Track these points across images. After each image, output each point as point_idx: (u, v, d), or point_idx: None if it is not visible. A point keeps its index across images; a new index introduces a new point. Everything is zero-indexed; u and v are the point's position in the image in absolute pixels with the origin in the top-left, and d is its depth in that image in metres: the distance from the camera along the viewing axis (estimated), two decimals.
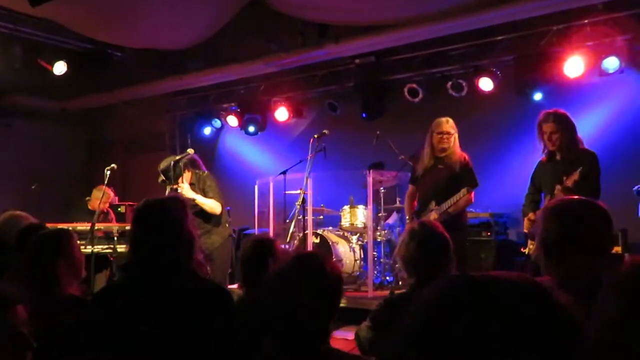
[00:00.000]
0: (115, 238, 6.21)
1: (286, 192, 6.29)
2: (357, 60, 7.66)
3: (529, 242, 4.60)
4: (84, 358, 2.13)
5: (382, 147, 6.58)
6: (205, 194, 5.27)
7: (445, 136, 5.01)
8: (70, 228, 6.02)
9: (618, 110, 6.49)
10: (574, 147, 4.43)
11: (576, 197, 2.12)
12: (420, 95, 7.35)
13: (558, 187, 4.24)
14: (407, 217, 5.48)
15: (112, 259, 6.29)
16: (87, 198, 6.87)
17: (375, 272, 6.56)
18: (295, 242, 6.42)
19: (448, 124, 5.04)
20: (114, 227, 6.36)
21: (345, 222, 6.87)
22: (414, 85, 7.36)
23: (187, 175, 5.27)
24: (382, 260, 6.76)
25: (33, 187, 8.07)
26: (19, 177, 8.87)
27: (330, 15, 6.69)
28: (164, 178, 5.20)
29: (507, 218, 6.79)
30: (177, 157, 5.21)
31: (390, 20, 6.67)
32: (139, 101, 9.50)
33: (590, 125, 6.48)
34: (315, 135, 5.67)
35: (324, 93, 8.33)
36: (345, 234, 7.00)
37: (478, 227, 6.63)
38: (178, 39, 7.27)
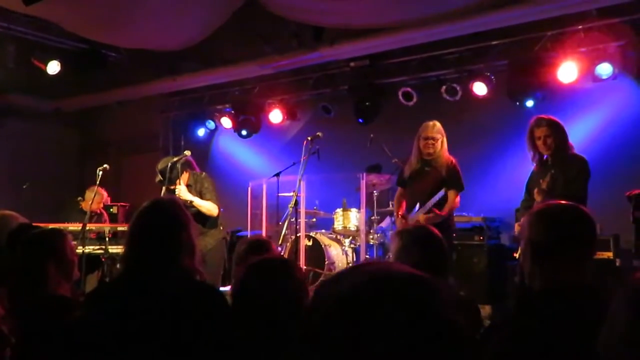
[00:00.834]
0: (107, 239, 6.18)
1: (279, 194, 6.27)
2: (351, 64, 7.67)
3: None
4: (75, 358, 2.12)
5: (375, 151, 6.58)
6: (202, 196, 5.27)
7: (430, 141, 5.05)
8: (62, 228, 6.00)
9: (611, 116, 6.52)
10: (566, 151, 4.45)
11: (563, 202, 2.13)
12: (415, 99, 7.36)
13: (536, 189, 4.26)
14: (395, 219, 5.50)
15: (103, 259, 6.27)
16: (79, 198, 6.84)
17: None
18: (288, 244, 6.41)
19: (434, 129, 5.07)
20: (106, 227, 6.33)
21: (338, 225, 6.86)
22: (409, 89, 7.37)
23: (184, 177, 5.27)
24: None
25: (25, 186, 8.03)
26: (11, 176, 8.81)
27: (325, 18, 6.69)
28: (161, 178, 5.19)
29: (499, 222, 6.80)
30: (175, 159, 5.21)
31: (385, 23, 6.68)
32: (132, 102, 9.47)
33: (583, 131, 6.50)
34: (309, 138, 5.67)
35: (318, 96, 8.33)
36: (338, 237, 7.00)
37: (470, 231, 6.64)
38: (172, 40, 7.25)
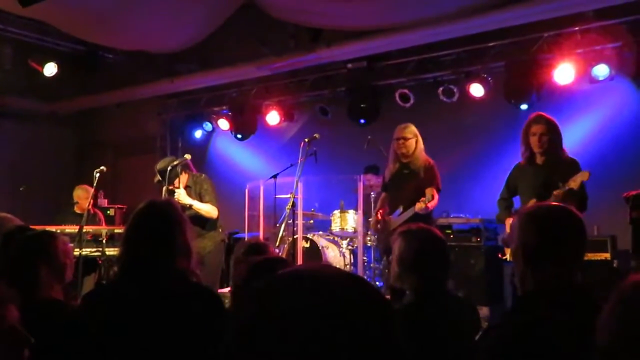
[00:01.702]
0: (104, 241, 6.17)
1: (277, 196, 6.27)
2: (349, 65, 7.67)
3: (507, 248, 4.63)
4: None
5: (373, 152, 6.58)
6: (201, 197, 5.28)
7: (401, 141, 5.10)
8: (58, 231, 5.99)
9: (608, 117, 6.53)
10: (560, 153, 4.45)
11: (552, 203, 2.14)
12: (412, 101, 7.36)
13: (557, 191, 4.18)
14: (373, 218, 5.54)
15: (100, 262, 6.25)
16: (75, 201, 6.83)
17: (365, 277, 6.55)
18: (285, 246, 6.40)
19: (406, 130, 5.13)
20: (103, 230, 6.32)
21: (335, 226, 6.86)
22: (406, 91, 7.37)
23: (183, 178, 5.29)
24: (372, 265, 6.76)
25: (21, 188, 8.01)
26: (7, 178, 8.79)
27: (323, 20, 6.70)
28: (160, 178, 5.21)
29: (497, 224, 6.80)
30: (175, 161, 5.23)
31: (383, 25, 6.69)
32: (130, 103, 9.45)
33: (580, 132, 6.52)
34: (306, 139, 5.66)
35: (316, 97, 8.33)
36: (336, 238, 6.99)
37: (468, 233, 6.63)
38: (170, 42, 7.25)
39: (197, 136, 9.49)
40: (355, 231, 6.71)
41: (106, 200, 8.17)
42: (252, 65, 7.85)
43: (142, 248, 2.22)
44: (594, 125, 6.54)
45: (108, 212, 7.60)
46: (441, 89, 7.14)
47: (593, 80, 6.30)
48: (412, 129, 5.16)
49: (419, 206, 4.90)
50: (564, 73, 6.37)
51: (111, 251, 6.10)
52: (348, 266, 6.76)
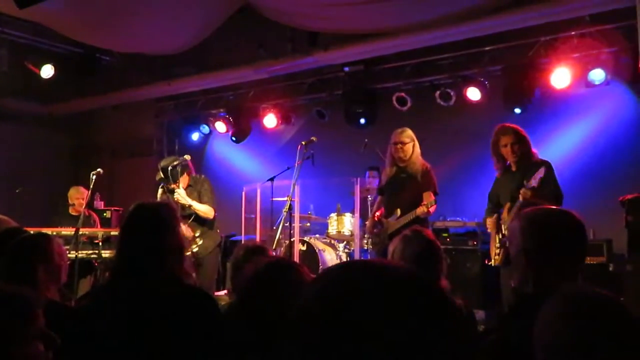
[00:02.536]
0: (100, 243, 6.15)
1: (273, 198, 6.26)
2: (346, 68, 7.68)
3: (494, 253, 4.65)
4: None
5: (370, 155, 6.58)
6: (200, 197, 5.44)
7: (399, 146, 5.12)
8: (54, 233, 5.97)
9: (604, 121, 6.55)
10: (531, 157, 4.51)
11: (552, 207, 2.14)
12: (409, 104, 7.37)
13: (523, 189, 4.28)
14: (369, 220, 5.55)
15: (96, 264, 6.23)
16: (71, 203, 6.82)
17: None
18: (282, 249, 6.40)
19: (403, 134, 5.15)
20: (99, 232, 6.30)
21: (332, 229, 6.86)
22: (403, 94, 7.39)
23: (184, 178, 5.43)
24: None
25: (18, 190, 7.99)
26: (4, 180, 8.77)
27: (320, 23, 6.70)
28: (162, 176, 5.35)
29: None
30: (176, 162, 5.36)
31: (380, 29, 6.69)
32: (126, 106, 9.44)
33: (576, 136, 6.54)
34: (303, 142, 5.67)
35: (313, 100, 8.34)
36: (332, 241, 6.99)
37: (464, 236, 6.65)
38: (167, 44, 7.24)
39: (194, 139, 9.49)
40: (352, 234, 6.71)
41: (102, 203, 8.15)
42: (249, 68, 7.85)
43: (133, 250, 2.23)
44: (590, 130, 6.56)
45: (104, 214, 7.58)
46: (438, 92, 7.16)
47: (589, 85, 6.33)
48: (409, 133, 5.18)
49: (420, 210, 4.91)
50: (560, 77, 6.39)
51: (107, 253, 6.08)
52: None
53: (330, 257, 6.75)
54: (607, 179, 6.22)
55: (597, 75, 6.23)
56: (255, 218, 7.24)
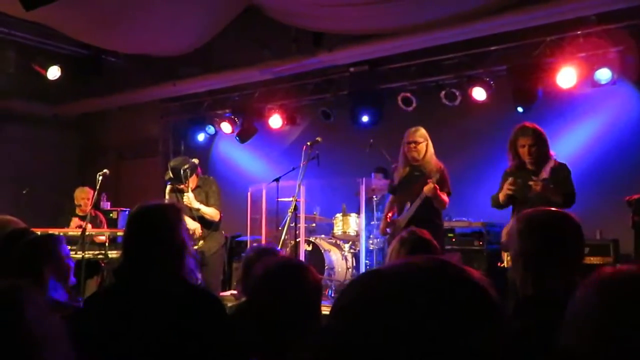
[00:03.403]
0: (107, 244, 6.18)
1: (279, 199, 6.28)
2: (351, 69, 7.68)
3: (505, 254, 4.63)
4: None
5: (375, 155, 6.59)
6: (207, 198, 5.51)
7: (412, 145, 5.08)
8: (61, 234, 5.99)
9: (610, 121, 6.53)
10: (548, 159, 4.49)
11: (550, 208, 2.15)
12: (414, 104, 7.37)
13: (533, 181, 4.27)
14: (382, 222, 5.54)
15: (103, 264, 6.26)
16: (78, 204, 6.85)
17: None
18: (288, 249, 6.41)
19: (417, 133, 5.10)
20: (106, 232, 6.33)
21: (337, 230, 6.86)
22: (408, 94, 7.38)
23: (193, 179, 5.49)
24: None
25: (25, 191, 8.03)
26: (11, 181, 8.81)
27: (325, 24, 6.71)
28: (171, 175, 5.42)
29: (499, 228, 6.76)
30: (187, 165, 5.41)
31: (385, 29, 6.69)
32: (132, 107, 9.48)
33: (582, 136, 6.52)
34: (308, 143, 5.68)
35: (318, 101, 8.35)
36: (338, 242, 6.99)
37: (470, 237, 6.63)
38: (172, 45, 7.26)
39: (200, 139, 9.50)
40: (357, 234, 6.71)
41: (109, 203, 8.18)
42: (254, 68, 7.86)
43: (136, 252, 2.24)
44: (596, 129, 6.54)
45: (111, 214, 7.60)
46: (443, 92, 7.15)
47: (595, 84, 6.30)
48: (423, 132, 5.13)
49: (427, 188, 4.87)
50: (566, 77, 6.36)
51: (114, 254, 6.11)
52: (350, 269, 6.76)
53: (336, 258, 6.75)
54: (613, 179, 6.19)
55: (604, 74, 6.20)
56: (261, 218, 7.25)
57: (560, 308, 1.73)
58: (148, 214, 2.31)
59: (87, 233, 5.85)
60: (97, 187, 6.01)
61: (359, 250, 6.71)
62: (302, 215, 6.28)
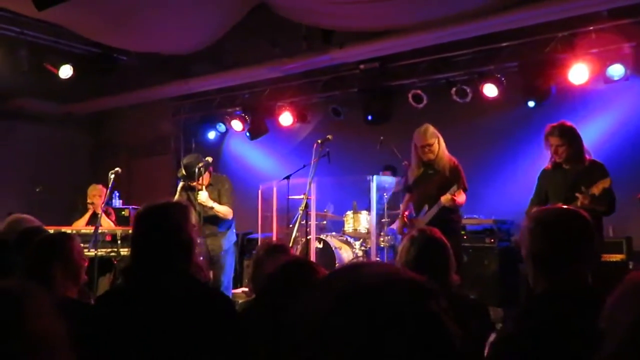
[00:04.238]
0: (119, 241, 6.22)
1: (290, 196, 6.28)
2: (361, 66, 7.67)
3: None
4: None
5: (385, 153, 6.57)
6: (220, 197, 5.51)
7: (427, 148, 5.07)
8: (74, 231, 6.05)
9: (623, 117, 6.47)
10: (582, 158, 4.46)
11: (562, 206, 2.15)
12: (425, 101, 7.34)
13: (580, 195, 4.23)
14: (399, 221, 5.53)
15: (115, 262, 6.30)
16: (90, 202, 6.90)
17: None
18: (299, 247, 6.42)
19: (427, 135, 5.07)
20: (118, 230, 6.37)
21: (348, 227, 6.86)
22: (419, 91, 7.36)
23: (206, 177, 5.51)
24: None
25: (38, 190, 8.10)
26: (24, 180, 8.89)
27: (335, 21, 6.70)
28: (184, 173, 5.43)
29: (510, 225, 6.77)
30: (201, 163, 5.43)
31: (395, 26, 6.68)
32: (144, 105, 9.52)
33: (595, 132, 6.46)
34: (319, 141, 5.68)
35: (328, 98, 8.34)
36: (349, 239, 6.99)
37: (481, 234, 6.61)
38: (183, 44, 7.30)
39: (211, 137, 9.53)
40: (368, 232, 6.70)
41: (121, 201, 8.23)
42: (264, 66, 7.87)
43: (143, 251, 2.26)
44: (609, 126, 6.49)
45: (122, 212, 7.65)
46: (454, 89, 7.12)
47: (608, 80, 6.25)
48: (432, 131, 5.11)
49: (444, 198, 4.88)
50: (578, 73, 6.32)
51: (126, 251, 6.15)
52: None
53: (347, 255, 6.75)
54: (626, 176, 6.13)
55: (616, 70, 6.15)
56: (272, 216, 7.26)
57: (572, 306, 1.73)
58: (154, 213, 2.32)
59: (99, 231, 5.89)
60: (110, 185, 6.05)
61: (369, 248, 6.71)
62: (312, 213, 6.28)
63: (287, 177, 6.05)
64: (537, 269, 1.90)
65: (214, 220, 5.49)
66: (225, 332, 2.16)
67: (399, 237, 6.89)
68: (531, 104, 6.61)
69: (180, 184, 5.57)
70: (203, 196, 5.34)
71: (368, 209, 6.76)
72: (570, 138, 4.48)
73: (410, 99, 7.40)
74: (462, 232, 6.60)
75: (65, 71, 7.72)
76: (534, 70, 6.60)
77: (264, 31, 7.48)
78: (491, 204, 6.74)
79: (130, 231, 6.39)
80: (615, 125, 6.48)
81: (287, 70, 7.83)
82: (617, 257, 5.62)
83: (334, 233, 7.15)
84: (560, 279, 1.85)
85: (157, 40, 7.14)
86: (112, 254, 6.22)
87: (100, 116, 10.26)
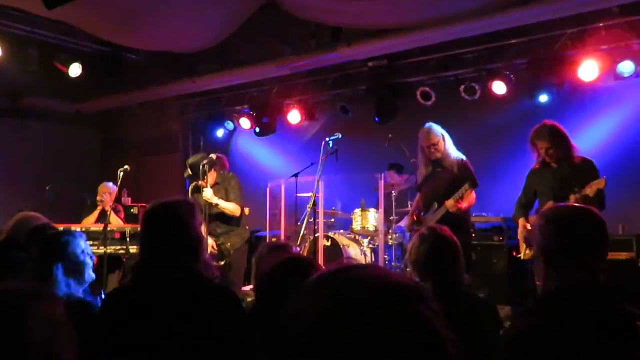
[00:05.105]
0: (128, 239, 6.25)
1: (298, 194, 6.29)
2: (369, 64, 7.65)
3: (525, 247, 4.62)
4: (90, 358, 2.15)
5: (394, 151, 6.56)
6: (227, 195, 5.52)
7: (433, 149, 5.05)
8: (83, 229, 6.09)
9: (633, 114, 6.43)
10: (572, 157, 4.44)
11: (574, 204, 2.14)
12: (433, 99, 7.32)
13: (573, 196, 4.22)
14: (408, 220, 5.52)
15: (124, 260, 6.34)
16: (99, 199, 6.94)
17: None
18: (307, 244, 6.43)
19: (431, 135, 5.05)
20: (127, 228, 6.40)
21: (356, 225, 6.86)
22: (427, 89, 7.34)
23: (212, 175, 5.51)
24: (393, 264, 6.74)
25: (48, 188, 8.15)
26: (34, 178, 8.95)
27: (343, 19, 6.69)
28: (190, 173, 5.46)
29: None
30: (205, 160, 5.44)
31: (404, 23, 6.66)
32: (152, 103, 9.55)
33: (605, 130, 6.43)
34: (327, 138, 5.68)
35: (337, 96, 8.33)
36: (357, 237, 6.99)
37: (490, 232, 6.59)
38: (191, 42, 7.31)
39: (219, 135, 9.54)
40: (376, 230, 6.70)
41: (130, 199, 8.27)
42: (272, 64, 7.87)
43: (151, 249, 2.27)
44: (619, 123, 6.45)
45: (132, 210, 7.69)
46: (463, 87, 7.09)
47: (618, 77, 6.21)
48: (436, 130, 5.09)
49: (449, 204, 4.87)
50: (588, 70, 6.28)
51: (135, 249, 6.18)
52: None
53: (355, 253, 6.75)
54: (637, 173, 6.10)
55: (627, 67, 6.11)
56: (280, 214, 7.28)
57: (583, 303, 1.73)
58: (161, 211, 2.33)
59: (108, 229, 5.92)
60: (119, 184, 6.09)
61: (378, 246, 6.70)
62: (321, 211, 6.29)
63: (296, 175, 6.05)
64: (549, 267, 1.90)
65: (223, 217, 5.51)
66: (232, 329, 2.17)
67: (408, 235, 6.89)
68: (543, 98, 6.57)
69: (190, 187, 5.58)
70: (208, 193, 5.36)
71: (376, 207, 6.76)
72: (559, 139, 4.46)
73: (419, 97, 7.38)
74: (471, 230, 6.59)
75: (75, 70, 7.76)
76: (543, 68, 6.56)
77: (272, 29, 7.48)
78: (500, 202, 6.70)
79: (139, 229, 6.43)
80: (626, 122, 6.44)
81: (296, 68, 7.83)
82: (627, 255, 5.58)
83: (342, 231, 7.16)
84: (570, 277, 1.84)
85: (166, 39, 7.15)
86: (121, 251, 6.25)
87: (109, 114, 10.30)
